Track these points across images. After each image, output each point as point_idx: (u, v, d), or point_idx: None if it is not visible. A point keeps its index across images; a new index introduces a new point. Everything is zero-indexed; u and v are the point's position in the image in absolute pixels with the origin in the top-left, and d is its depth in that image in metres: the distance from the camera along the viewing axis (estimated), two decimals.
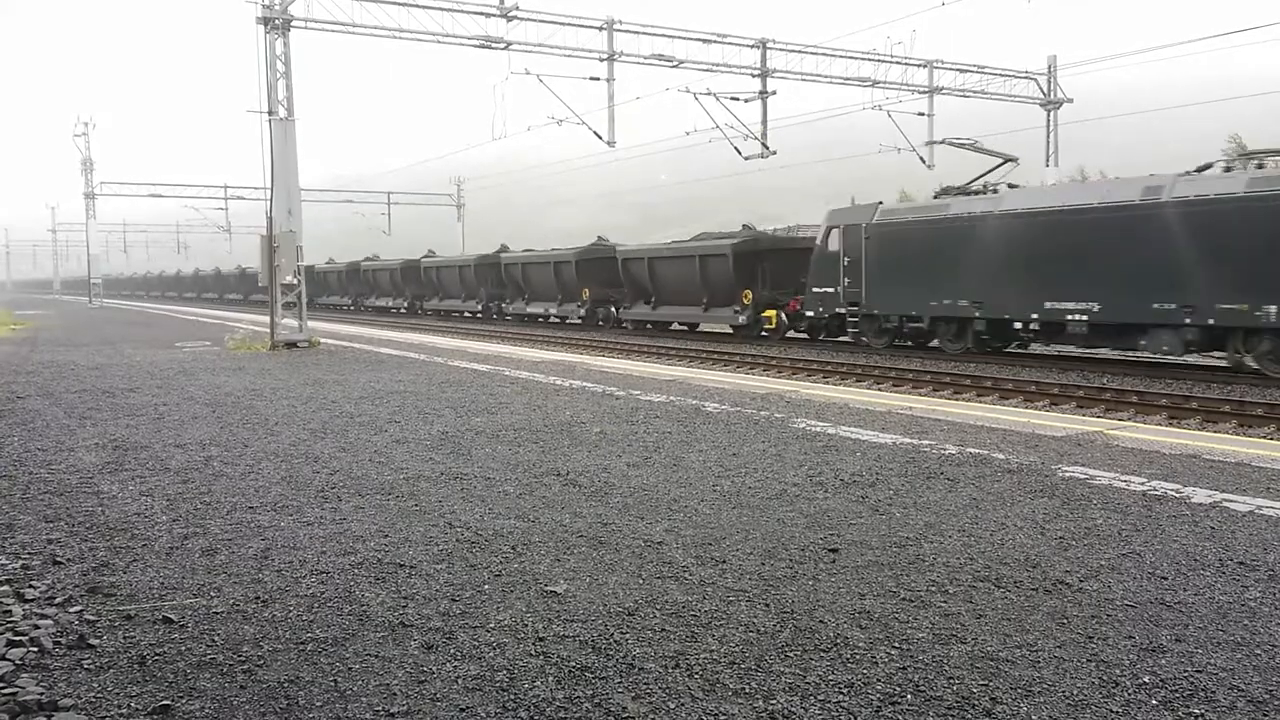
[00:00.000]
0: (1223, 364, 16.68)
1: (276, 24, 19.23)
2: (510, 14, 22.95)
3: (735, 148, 28.18)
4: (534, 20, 23.41)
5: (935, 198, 21.14)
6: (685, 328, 29.76)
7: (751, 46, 26.81)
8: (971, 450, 7.45)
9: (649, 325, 30.12)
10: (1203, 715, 3.11)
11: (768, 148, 27.87)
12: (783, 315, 24.51)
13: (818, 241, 22.85)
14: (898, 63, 29.12)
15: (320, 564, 4.78)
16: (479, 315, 39.81)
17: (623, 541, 5.10)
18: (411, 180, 64.25)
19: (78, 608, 4.19)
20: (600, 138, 25.85)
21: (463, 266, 40.96)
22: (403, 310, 46.64)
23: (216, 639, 3.84)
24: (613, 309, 31.06)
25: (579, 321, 32.81)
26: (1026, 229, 17.92)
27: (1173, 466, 6.77)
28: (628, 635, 3.83)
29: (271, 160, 19.16)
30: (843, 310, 21.95)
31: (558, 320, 34.91)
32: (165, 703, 3.28)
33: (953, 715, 3.13)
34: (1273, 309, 14.63)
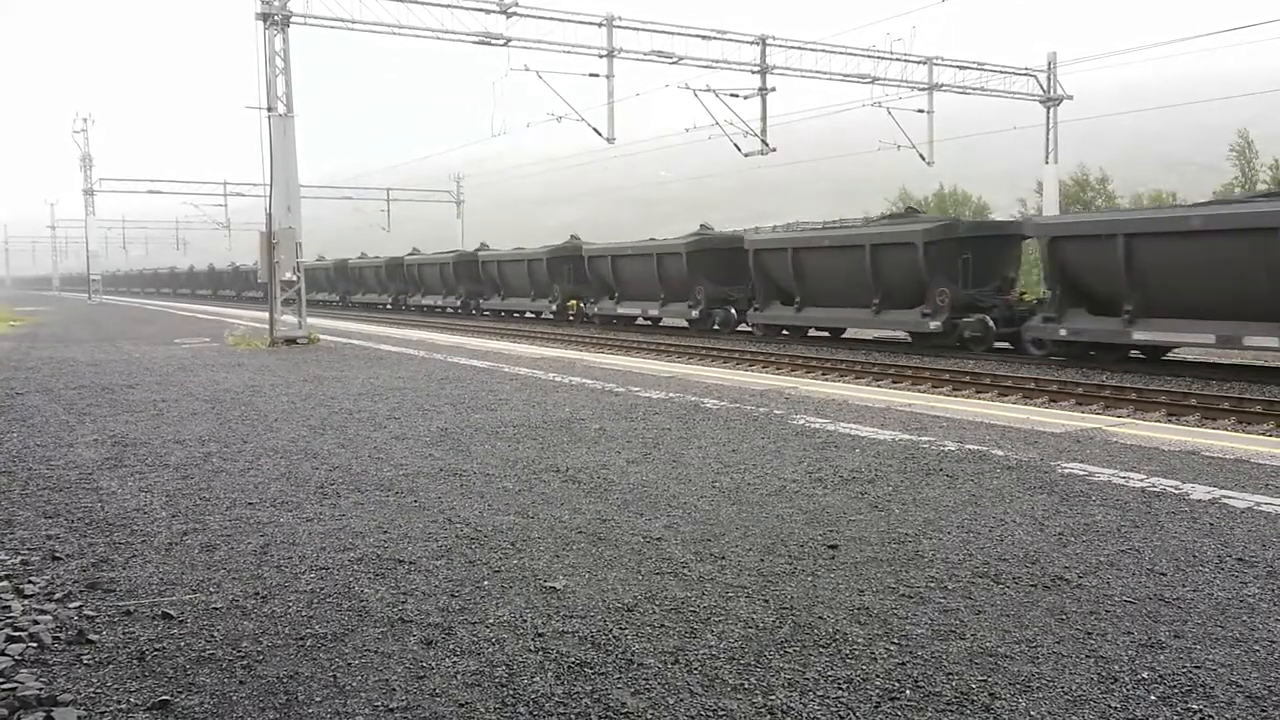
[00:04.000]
0: (1221, 361, 16.75)
1: (276, 20, 19.20)
2: (510, 10, 22.90)
3: (735, 144, 28.15)
4: (533, 16, 23.37)
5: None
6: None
7: (751, 43, 26.77)
8: (970, 447, 7.45)
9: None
10: (1201, 711, 3.11)
11: (767, 144, 27.83)
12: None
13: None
14: (897, 59, 29.09)
15: (319, 560, 4.78)
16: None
17: (622, 538, 5.10)
18: (411, 177, 64.22)
19: (77, 603, 4.19)
20: (600, 134, 25.82)
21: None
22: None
23: (216, 634, 3.84)
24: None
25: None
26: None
27: (1171, 463, 6.77)
28: (627, 631, 3.83)
29: (270, 157, 19.14)
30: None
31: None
32: (164, 698, 3.28)
33: (951, 711, 3.13)
34: None
